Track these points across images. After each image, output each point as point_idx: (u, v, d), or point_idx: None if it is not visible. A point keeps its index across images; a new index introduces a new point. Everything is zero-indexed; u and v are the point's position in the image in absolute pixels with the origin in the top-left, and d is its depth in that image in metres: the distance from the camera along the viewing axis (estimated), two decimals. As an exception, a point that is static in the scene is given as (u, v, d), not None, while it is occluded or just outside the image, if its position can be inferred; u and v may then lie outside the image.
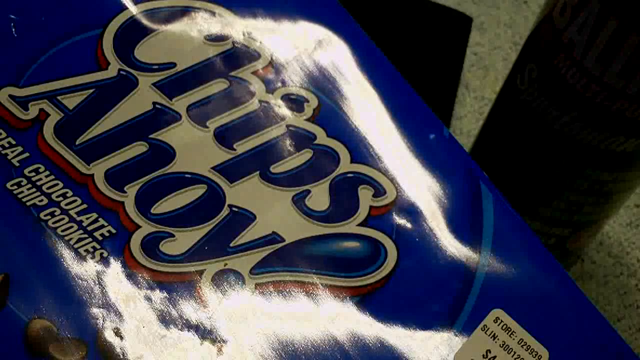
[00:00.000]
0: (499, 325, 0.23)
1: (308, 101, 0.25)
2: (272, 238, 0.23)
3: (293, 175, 0.24)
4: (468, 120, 0.43)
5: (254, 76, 0.25)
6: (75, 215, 0.23)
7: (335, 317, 0.23)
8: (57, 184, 0.23)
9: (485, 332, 0.23)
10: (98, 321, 0.22)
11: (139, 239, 0.23)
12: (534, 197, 0.33)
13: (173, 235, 0.23)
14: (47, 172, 0.23)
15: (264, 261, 0.23)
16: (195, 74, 0.25)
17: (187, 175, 0.24)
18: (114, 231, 0.23)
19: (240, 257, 0.23)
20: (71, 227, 0.22)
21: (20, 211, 0.22)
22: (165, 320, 0.22)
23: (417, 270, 0.23)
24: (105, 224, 0.23)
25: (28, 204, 0.23)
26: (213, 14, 0.26)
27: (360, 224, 0.24)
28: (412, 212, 0.24)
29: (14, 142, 0.23)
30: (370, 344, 0.22)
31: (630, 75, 0.26)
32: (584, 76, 0.27)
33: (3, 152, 0.23)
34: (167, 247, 0.23)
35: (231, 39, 0.26)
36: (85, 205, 0.23)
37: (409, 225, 0.24)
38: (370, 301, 0.23)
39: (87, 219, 0.23)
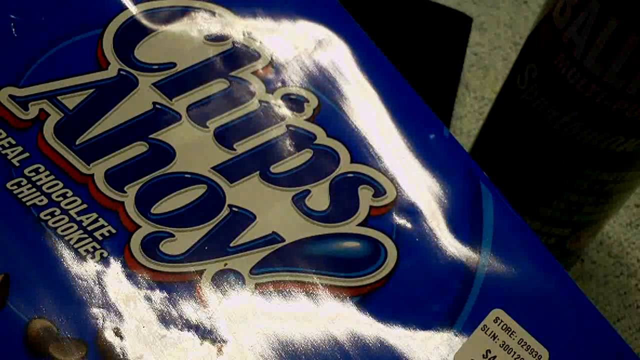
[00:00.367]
0: (499, 325, 0.23)
1: (308, 101, 0.25)
2: (272, 238, 0.23)
3: (293, 175, 0.24)
4: (468, 120, 0.43)
5: (254, 76, 0.25)
6: (75, 215, 0.23)
7: (335, 317, 0.23)
8: (57, 184, 0.23)
9: (485, 332, 0.23)
10: (98, 321, 0.22)
11: (139, 239, 0.23)
12: (534, 197, 0.33)
13: (173, 235, 0.23)
14: (47, 172, 0.23)
15: (264, 261, 0.23)
16: (195, 74, 0.25)
17: (187, 175, 0.24)
18: (114, 231, 0.23)
19: (240, 257, 0.23)
20: (71, 227, 0.22)
21: (20, 211, 0.22)
22: (165, 320, 0.22)
23: (417, 270, 0.23)
24: (105, 224, 0.23)
25: (28, 204, 0.23)
26: (213, 14, 0.26)
27: (360, 224, 0.24)
28: (412, 212, 0.24)
29: (14, 142, 0.23)
30: (370, 344, 0.22)
31: (630, 75, 0.26)
32: (584, 76, 0.27)
33: (3, 152, 0.23)
34: (167, 247, 0.23)
35: (231, 39, 0.26)
36: (85, 205, 0.23)
37: (409, 225, 0.24)
38: (370, 301, 0.23)
39: (87, 219, 0.23)
